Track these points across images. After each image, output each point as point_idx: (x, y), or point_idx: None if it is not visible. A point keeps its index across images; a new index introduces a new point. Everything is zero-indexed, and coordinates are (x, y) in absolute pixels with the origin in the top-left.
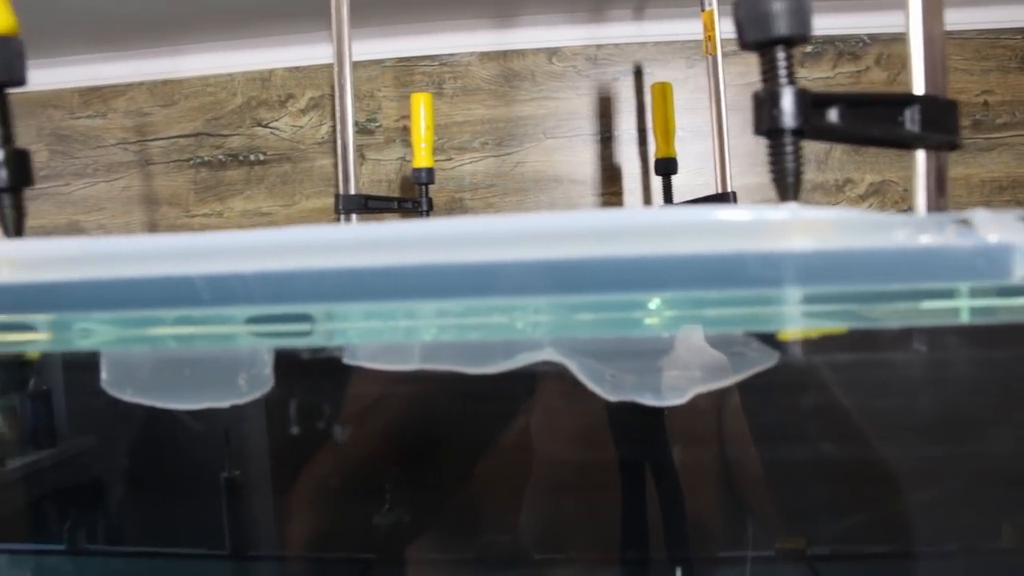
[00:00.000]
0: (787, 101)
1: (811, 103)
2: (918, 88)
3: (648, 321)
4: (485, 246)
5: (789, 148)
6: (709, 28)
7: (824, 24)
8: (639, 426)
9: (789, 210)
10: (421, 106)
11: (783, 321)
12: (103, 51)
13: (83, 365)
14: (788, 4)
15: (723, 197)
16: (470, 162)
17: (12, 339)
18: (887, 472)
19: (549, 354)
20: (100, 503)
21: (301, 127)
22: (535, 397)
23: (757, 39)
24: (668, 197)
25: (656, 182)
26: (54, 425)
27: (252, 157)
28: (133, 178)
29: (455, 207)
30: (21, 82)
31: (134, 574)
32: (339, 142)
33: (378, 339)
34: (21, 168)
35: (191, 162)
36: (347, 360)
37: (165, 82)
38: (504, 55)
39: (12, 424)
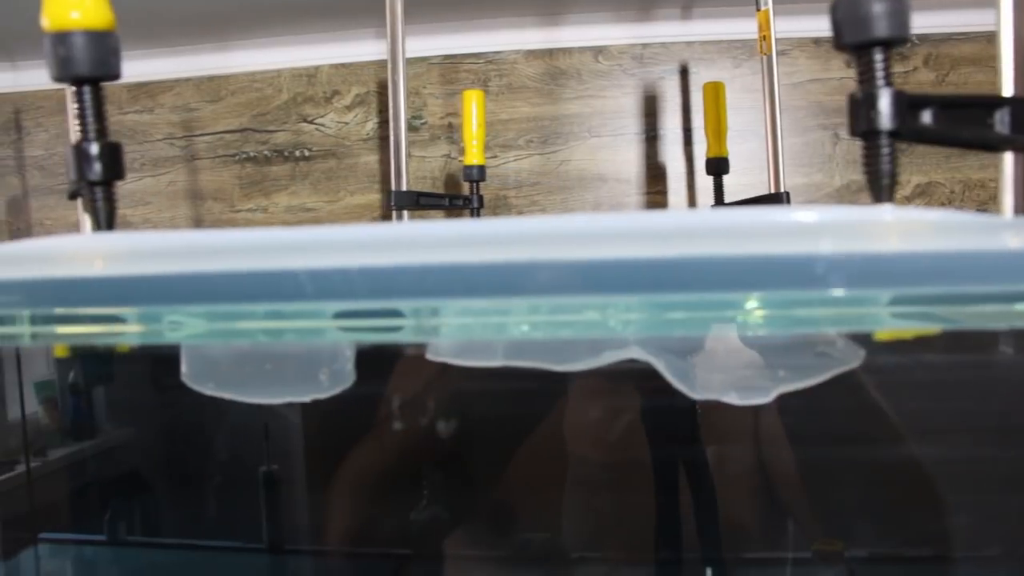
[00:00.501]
0: (884, 103)
1: (907, 105)
2: (1007, 90)
3: (741, 320)
4: (582, 244)
5: (885, 150)
6: (764, 28)
7: None
8: (674, 425)
9: (888, 211)
10: (473, 103)
11: (877, 323)
12: (151, 47)
13: (125, 359)
14: (887, 6)
15: (776, 197)
16: (515, 160)
17: (104, 331)
18: (931, 475)
19: (635, 352)
20: (140, 495)
21: (346, 123)
22: (572, 396)
23: (855, 40)
24: (719, 197)
25: (701, 181)
26: (94, 417)
27: (297, 153)
28: (179, 173)
29: (499, 204)
30: (116, 76)
31: (172, 566)
32: (392, 139)
33: (469, 335)
34: (114, 161)
35: (236, 157)
36: (430, 356)
37: (212, 78)
38: (550, 53)
39: (53, 415)
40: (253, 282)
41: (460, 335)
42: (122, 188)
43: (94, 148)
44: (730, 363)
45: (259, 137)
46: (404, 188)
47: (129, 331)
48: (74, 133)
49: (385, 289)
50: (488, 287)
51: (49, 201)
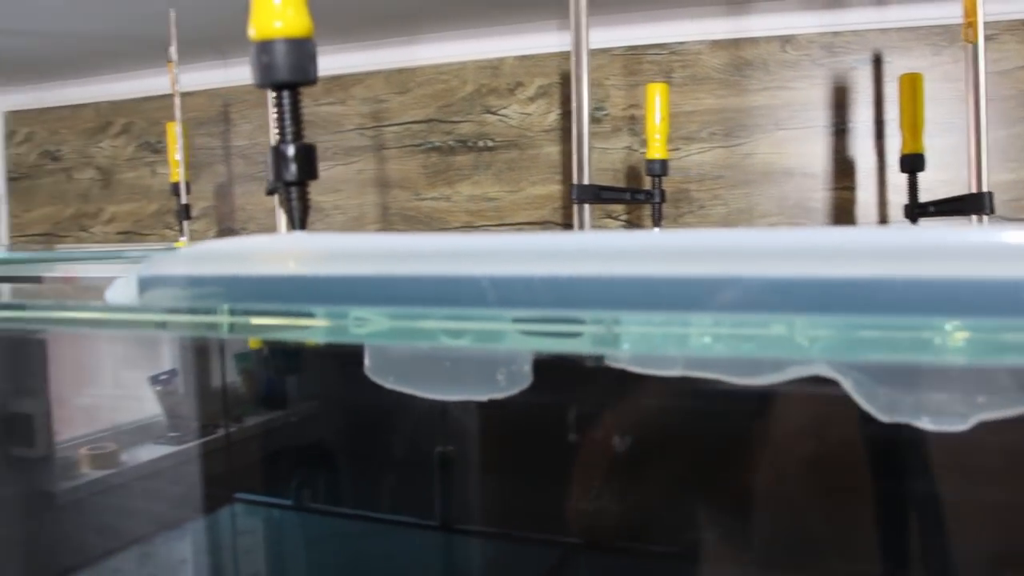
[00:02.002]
0: None
1: None
2: None
3: (939, 343)
4: (772, 259)
5: None
6: (971, 14)
7: None
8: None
9: None
10: (657, 96)
11: None
12: (344, 42)
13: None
14: None
15: (977, 198)
16: (698, 152)
17: (294, 324)
18: None
19: (821, 368)
20: (325, 465)
21: (529, 114)
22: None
23: None
24: (914, 196)
25: (893, 177)
26: (287, 389)
27: (481, 143)
28: (368, 161)
29: (681, 198)
30: (312, 81)
31: (350, 535)
32: (574, 131)
33: (650, 347)
34: (308, 163)
35: (422, 147)
36: (609, 362)
37: (400, 71)
38: (736, 43)
39: (251, 385)
40: (436, 286)
41: (640, 346)
42: None
43: (291, 150)
44: (924, 385)
45: (444, 127)
46: (586, 181)
47: (317, 325)
48: (273, 135)
49: (565, 299)
50: (671, 302)
51: (251, 188)
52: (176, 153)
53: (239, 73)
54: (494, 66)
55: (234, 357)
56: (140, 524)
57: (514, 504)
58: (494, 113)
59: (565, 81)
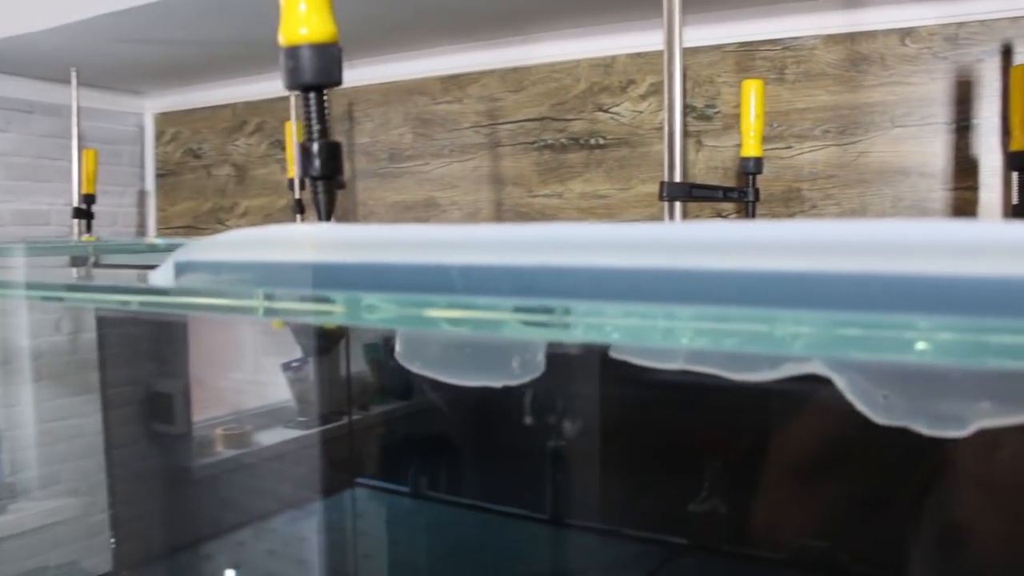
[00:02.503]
0: None
1: None
2: None
3: (921, 345)
4: (747, 253)
5: None
6: None
7: None
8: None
9: None
10: (752, 93)
11: None
12: (461, 42)
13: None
14: None
15: None
16: (810, 151)
17: (315, 309)
18: None
19: (817, 367)
20: (442, 455)
21: (640, 112)
22: None
23: None
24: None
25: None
26: (411, 380)
27: (592, 141)
28: (483, 159)
29: (792, 197)
30: (338, 83)
31: (463, 524)
32: (665, 130)
33: (636, 339)
34: (332, 159)
35: (535, 144)
36: (613, 354)
37: (515, 69)
38: (851, 37)
39: (377, 375)
40: (429, 274)
41: (625, 338)
42: (434, 172)
43: (315, 147)
44: (924, 388)
45: (557, 125)
46: (678, 179)
47: (335, 311)
48: (302, 134)
49: (534, 288)
50: (650, 293)
51: (371, 183)
52: (292, 150)
53: (361, 74)
54: (606, 64)
55: (363, 347)
56: (265, 502)
57: (623, 501)
58: (606, 111)
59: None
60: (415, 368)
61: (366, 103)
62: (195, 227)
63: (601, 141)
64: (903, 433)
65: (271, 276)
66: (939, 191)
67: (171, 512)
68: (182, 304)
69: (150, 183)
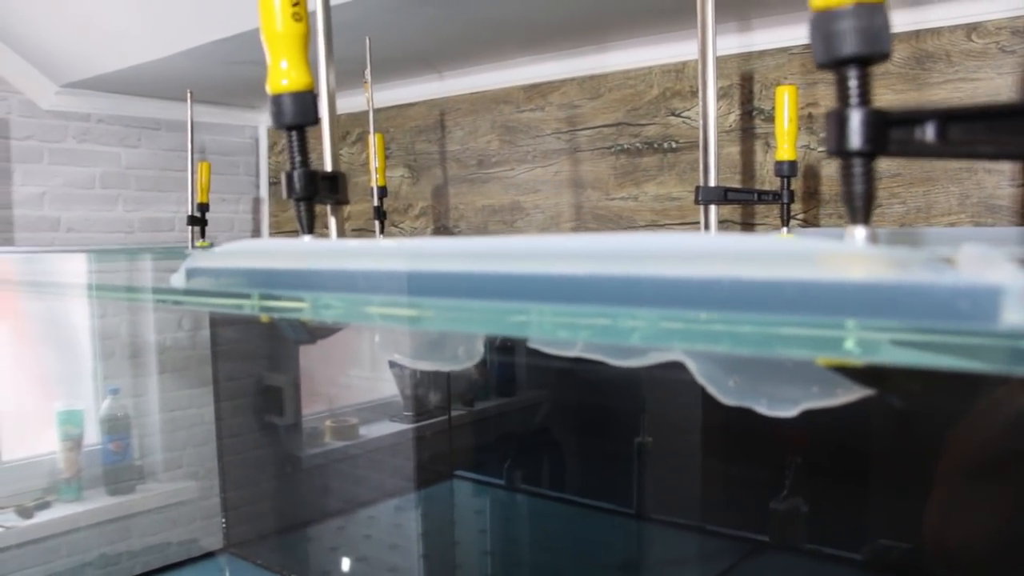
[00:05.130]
0: (856, 122)
1: (883, 124)
2: None
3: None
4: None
5: (858, 170)
6: None
7: None
8: None
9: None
10: (785, 98)
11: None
12: (542, 52)
13: None
14: (861, 22)
15: None
16: None
17: (288, 307)
18: None
19: (676, 354)
20: (536, 451)
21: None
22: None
23: (828, 59)
24: None
25: None
26: (515, 378)
27: (665, 145)
28: (563, 164)
29: None
30: (314, 123)
31: (554, 516)
32: (700, 135)
33: (498, 330)
34: (310, 184)
35: (612, 149)
36: (531, 344)
37: (592, 77)
38: (916, 35)
39: (483, 372)
40: (358, 278)
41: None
42: (518, 177)
43: (296, 175)
44: (764, 374)
45: (632, 130)
46: (712, 183)
47: (303, 307)
48: (287, 164)
49: (421, 288)
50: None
51: (462, 188)
52: (373, 162)
53: (451, 85)
54: (678, 69)
55: None
56: (368, 490)
57: (705, 498)
58: (678, 115)
59: (745, 82)
60: (387, 356)
61: (456, 112)
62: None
63: (674, 145)
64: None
65: (257, 280)
66: (1008, 187)
67: (278, 497)
68: (191, 301)
69: (264, 190)
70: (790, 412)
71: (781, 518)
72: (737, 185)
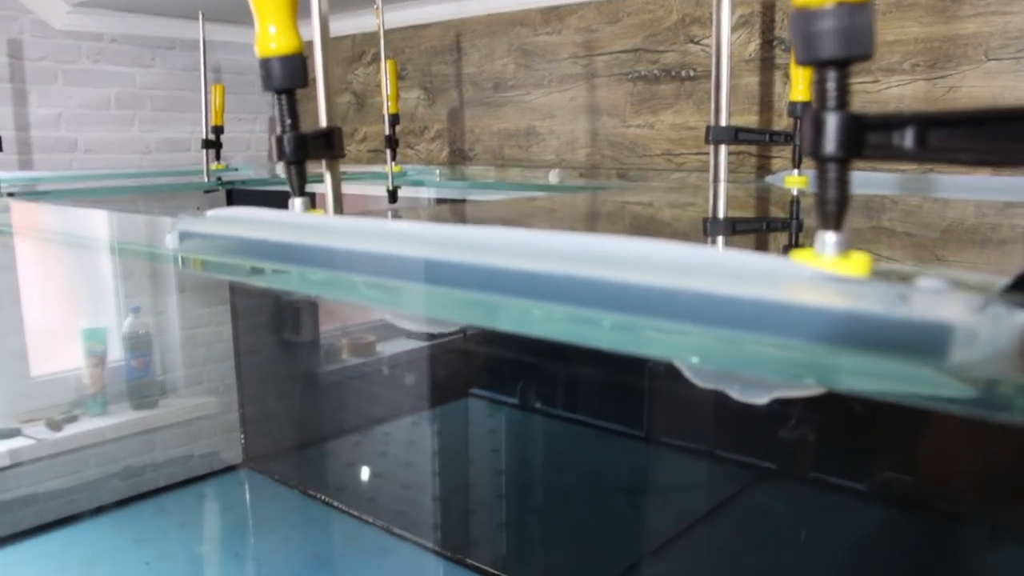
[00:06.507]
0: (832, 127)
1: (858, 128)
2: None
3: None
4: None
5: (831, 175)
6: None
7: None
8: None
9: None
10: None
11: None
12: None
13: None
14: (842, 23)
15: None
16: (897, 85)
17: (261, 271)
18: None
19: None
20: (546, 371)
21: (733, 42)
22: None
23: (807, 59)
24: None
25: None
26: None
27: (683, 73)
28: (580, 89)
29: None
30: (303, 86)
31: (566, 435)
32: (713, 73)
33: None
34: (300, 147)
35: (629, 76)
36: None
37: (610, 1)
38: None
39: None
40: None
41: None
42: (534, 102)
43: (287, 138)
44: None
45: (650, 57)
46: (724, 123)
47: (269, 274)
48: (277, 127)
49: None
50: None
51: (478, 111)
52: (385, 88)
53: (468, 6)
54: None
55: None
56: (384, 408)
57: (715, 424)
58: (696, 43)
59: (766, 10)
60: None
61: (472, 34)
62: None
63: (692, 73)
64: None
65: (247, 249)
66: None
67: (296, 413)
68: (184, 260)
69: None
70: (762, 400)
71: (788, 447)
72: (755, 117)
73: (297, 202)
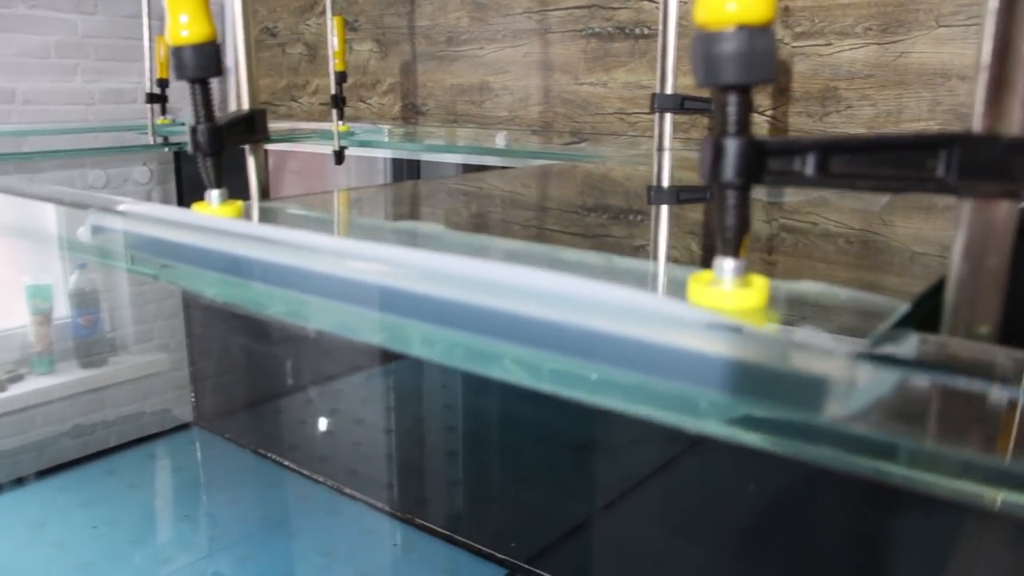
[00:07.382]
0: (732, 153)
1: (758, 154)
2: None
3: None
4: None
5: (730, 201)
6: None
7: None
8: None
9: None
10: None
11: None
12: None
13: None
14: (743, 47)
15: None
16: (849, 49)
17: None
18: None
19: None
20: None
21: (686, 2)
22: None
23: (707, 83)
24: None
25: None
26: None
27: (637, 31)
28: (534, 45)
29: (828, 96)
30: (218, 74)
31: (516, 395)
32: (660, 38)
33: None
34: (216, 139)
35: (583, 32)
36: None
37: None
38: None
39: None
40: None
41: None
42: (487, 56)
43: (201, 129)
44: None
45: (604, 14)
46: (669, 91)
47: (173, 270)
48: (191, 118)
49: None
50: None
51: (430, 65)
52: (331, 45)
53: None
54: None
55: None
56: (336, 364)
57: None
58: (652, 0)
59: None
60: None
61: None
62: (271, 103)
63: (646, 31)
64: None
65: (156, 249)
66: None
67: (247, 369)
68: (93, 256)
69: (230, 60)
70: None
71: None
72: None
73: (214, 194)
